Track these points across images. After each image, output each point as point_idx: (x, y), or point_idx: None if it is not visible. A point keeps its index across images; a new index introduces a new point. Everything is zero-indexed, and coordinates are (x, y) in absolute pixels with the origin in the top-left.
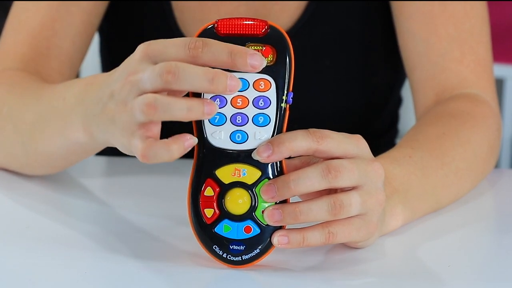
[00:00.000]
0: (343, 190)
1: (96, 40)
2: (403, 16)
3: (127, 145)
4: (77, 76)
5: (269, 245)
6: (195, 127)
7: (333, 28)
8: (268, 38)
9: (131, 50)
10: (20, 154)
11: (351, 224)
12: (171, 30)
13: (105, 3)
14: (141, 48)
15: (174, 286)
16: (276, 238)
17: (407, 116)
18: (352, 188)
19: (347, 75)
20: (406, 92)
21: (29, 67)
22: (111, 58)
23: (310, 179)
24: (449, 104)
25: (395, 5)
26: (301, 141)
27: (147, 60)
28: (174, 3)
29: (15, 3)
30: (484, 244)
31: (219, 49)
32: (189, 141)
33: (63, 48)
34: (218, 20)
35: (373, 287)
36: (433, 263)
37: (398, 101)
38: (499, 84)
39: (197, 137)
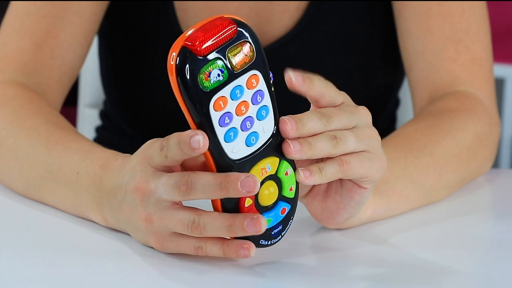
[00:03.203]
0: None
1: (95, 40)
2: (402, 16)
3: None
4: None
5: (294, 210)
6: (212, 157)
7: (334, 29)
8: (241, 35)
9: (133, 50)
10: (22, 190)
11: (362, 155)
12: (173, 30)
13: (104, 9)
14: (138, 155)
15: (174, 286)
16: (301, 172)
17: (406, 116)
18: None
19: (347, 76)
20: (404, 93)
21: (31, 79)
22: (113, 59)
23: (312, 120)
24: (436, 103)
25: (395, 6)
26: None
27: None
28: (176, 3)
29: (14, 3)
30: (484, 244)
31: (209, 184)
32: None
33: (65, 59)
34: (188, 42)
35: None
36: (433, 263)
37: (396, 102)
38: (499, 84)
39: (218, 161)
